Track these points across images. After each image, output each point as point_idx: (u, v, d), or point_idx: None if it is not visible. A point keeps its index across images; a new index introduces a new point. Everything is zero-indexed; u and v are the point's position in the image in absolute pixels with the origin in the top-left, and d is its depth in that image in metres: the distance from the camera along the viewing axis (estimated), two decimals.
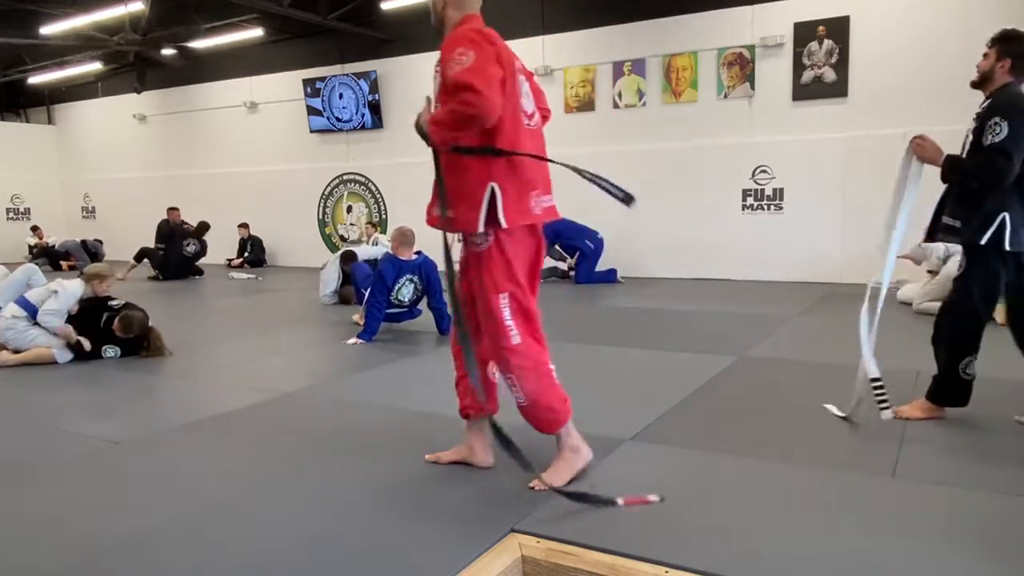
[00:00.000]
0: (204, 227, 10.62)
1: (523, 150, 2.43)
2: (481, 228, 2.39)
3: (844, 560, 1.98)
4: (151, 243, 10.82)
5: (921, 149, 3.06)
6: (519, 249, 2.48)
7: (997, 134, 2.82)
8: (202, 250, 10.55)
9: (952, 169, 3.00)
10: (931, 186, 3.16)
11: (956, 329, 3.10)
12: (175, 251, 10.29)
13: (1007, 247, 2.91)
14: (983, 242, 2.94)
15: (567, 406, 2.54)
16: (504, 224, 2.38)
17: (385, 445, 3.01)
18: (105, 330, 5.01)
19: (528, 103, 2.53)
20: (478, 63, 2.24)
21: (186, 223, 10.71)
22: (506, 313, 2.45)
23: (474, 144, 2.38)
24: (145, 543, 2.18)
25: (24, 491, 2.67)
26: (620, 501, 2.31)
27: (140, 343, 5.04)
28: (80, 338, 4.90)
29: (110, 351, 5.02)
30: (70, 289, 4.99)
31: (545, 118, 2.72)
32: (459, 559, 2.02)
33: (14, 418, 3.74)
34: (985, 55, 3.06)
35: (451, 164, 2.44)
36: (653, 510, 2.32)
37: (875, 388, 3.06)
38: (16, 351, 4.86)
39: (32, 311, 4.90)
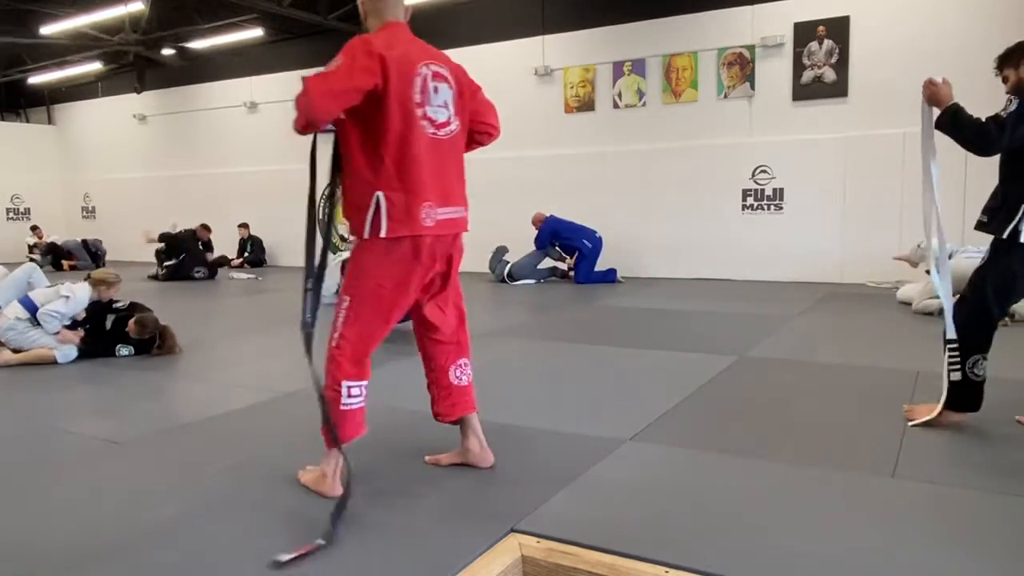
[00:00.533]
0: (223, 262, 10.64)
1: (415, 158, 2.39)
2: (367, 235, 2.40)
3: (844, 560, 1.98)
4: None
5: (933, 91, 2.95)
6: (390, 260, 2.42)
7: (1005, 108, 2.82)
8: (210, 276, 10.55)
9: (952, 117, 2.89)
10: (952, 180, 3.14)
11: (965, 323, 3.01)
12: (186, 268, 10.24)
13: (1022, 240, 2.86)
14: (1005, 236, 2.91)
15: (349, 434, 2.47)
16: (383, 234, 2.37)
17: (384, 445, 3.01)
18: (113, 331, 5.02)
19: (441, 113, 2.47)
20: (335, 71, 2.28)
21: (211, 252, 10.71)
22: (341, 316, 2.47)
23: (357, 143, 2.42)
24: (145, 543, 2.18)
25: (24, 491, 2.67)
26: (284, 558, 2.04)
27: (152, 342, 5.06)
28: (71, 337, 4.90)
29: (124, 350, 5.04)
30: (79, 296, 4.97)
31: (488, 134, 2.70)
32: (459, 559, 2.02)
33: (15, 418, 3.74)
34: (1004, 80, 3.01)
35: (347, 167, 2.48)
36: (653, 510, 2.32)
37: (950, 350, 3.04)
38: (16, 351, 4.86)
39: (35, 311, 4.90)
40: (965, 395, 3.04)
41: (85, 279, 5.21)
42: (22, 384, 4.39)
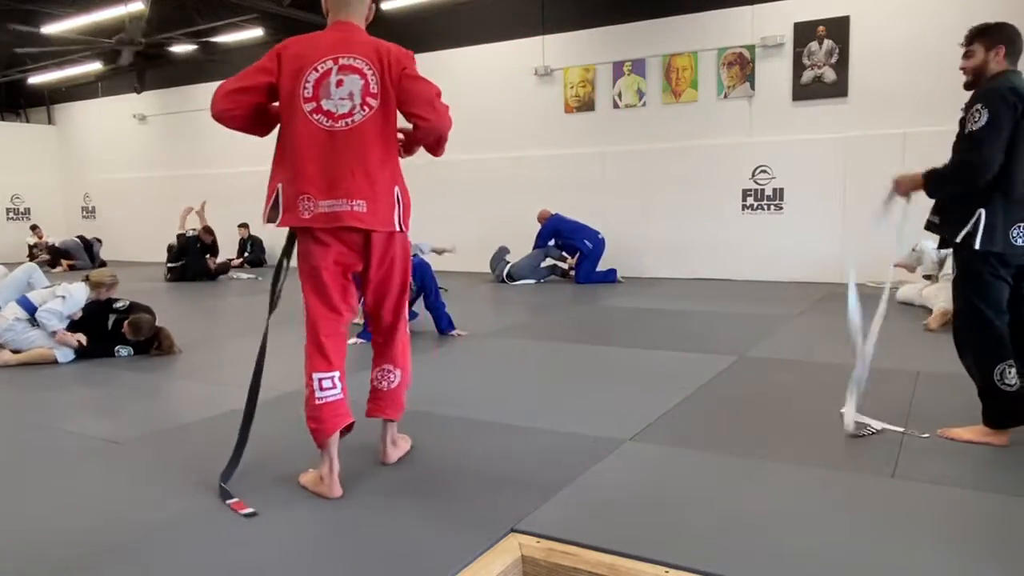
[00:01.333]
0: (224, 270, 10.59)
1: (297, 151, 2.48)
2: (265, 223, 2.57)
3: (844, 560, 1.98)
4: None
5: (900, 186, 3.02)
6: (304, 247, 2.56)
7: (976, 121, 2.68)
8: (210, 279, 10.50)
9: (936, 181, 2.86)
10: None
11: (971, 334, 2.86)
12: (188, 271, 10.17)
13: (976, 247, 2.74)
14: (958, 240, 2.81)
15: (327, 427, 2.51)
16: (276, 224, 2.53)
17: None
18: (114, 331, 5.02)
19: (344, 104, 2.46)
20: (239, 73, 2.54)
21: (215, 256, 10.65)
22: (305, 312, 2.60)
23: (277, 138, 2.57)
24: (145, 543, 2.18)
25: (24, 491, 2.67)
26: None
27: (150, 343, 5.05)
28: (78, 336, 4.90)
29: (123, 351, 5.04)
30: (75, 295, 4.97)
31: (417, 127, 2.52)
32: (459, 559, 2.02)
33: (15, 418, 3.74)
34: (967, 54, 2.87)
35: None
36: (653, 510, 2.32)
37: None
38: (15, 351, 4.86)
39: (33, 312, 4.90)
40: (1002, 408, 2.82)
41: (84, 280, 5.21)
42: (22, 384, 4.39)
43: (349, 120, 2.46)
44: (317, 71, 2.46)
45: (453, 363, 4.70)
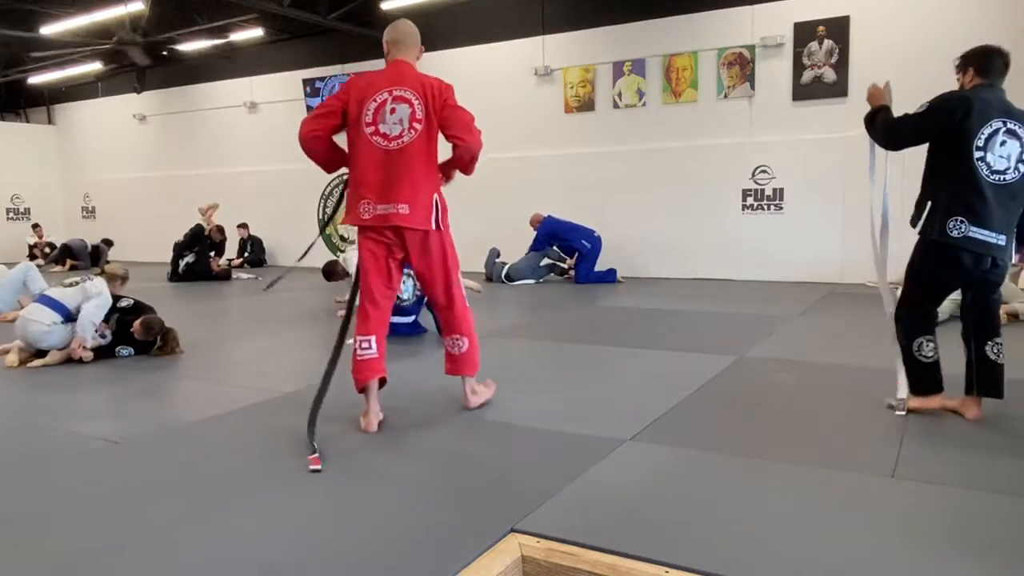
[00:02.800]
0: (226, 275, 10.58)
1: (362, 164, 3.11)
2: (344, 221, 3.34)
3: (844, 560, 1.98)
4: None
5: (872, 91, 3.35)
6: (360, 241, 3.20)
7: (917, 109, 3.12)
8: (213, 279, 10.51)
9: (872, 115, 3.28)
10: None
11: (901, 313, 3.29)
12: (196, 267, 10.17)
13: (916, 229, 3.13)
14: (917, 229, 3.17)
15: (361, 376, 3.20)
16: (340, 222, 3.27)
17: (384, 445, 3.01)
18: (117, 330, 4.99)
19: (396, 128, 3.06)
20: (319, 106, 3.19)
21: (221, 255, 10.57)
22: (361, 290, 3.25)
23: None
24: (145, 542, 2.18)
25: (24, 490, 2.67)
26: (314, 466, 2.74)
27: (153, 343, 5.03)
28: (83, 353, 4.83)
29: (124, 351, 5.02)
30: (103, 290, 4.95)
31: (455, 145, 3.12)
32: (459, 559, 2.02)
33: (15, 417, 3.74)
34: (958, 79, 3.26)
35: None
36: (653, 510, 2.32)
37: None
38: (43, 352, 4.81)
39: (65, 312, 4.82)
40: (920, 375, 3.22)
41: (99, 274, 5.18)
42: (23, 384, 4.39)
43: (400, 141, 3.07)
44: (376, 101, 3.07)
45: None
